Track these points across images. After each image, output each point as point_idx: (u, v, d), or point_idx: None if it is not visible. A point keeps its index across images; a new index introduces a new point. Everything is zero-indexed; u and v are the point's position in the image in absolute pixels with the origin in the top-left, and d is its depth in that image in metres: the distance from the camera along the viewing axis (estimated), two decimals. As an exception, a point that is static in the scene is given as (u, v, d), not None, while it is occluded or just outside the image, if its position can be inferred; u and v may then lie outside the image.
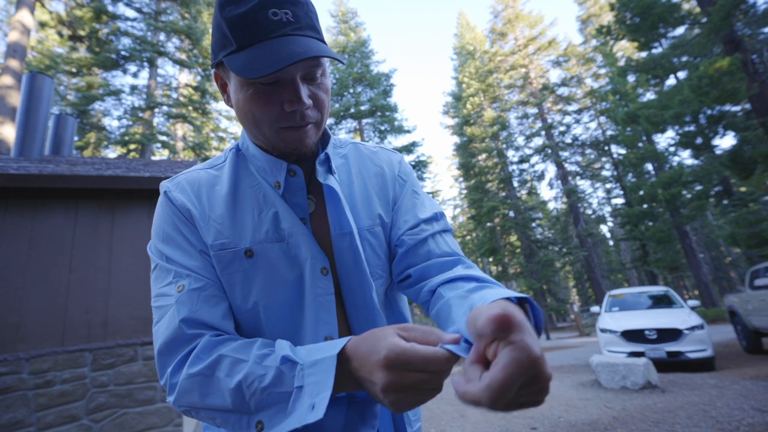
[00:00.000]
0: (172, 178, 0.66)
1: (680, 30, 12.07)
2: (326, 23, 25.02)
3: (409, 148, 21.17)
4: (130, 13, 33.86)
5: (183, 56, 18.07)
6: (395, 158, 0.77)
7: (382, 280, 0.67)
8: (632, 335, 6.21)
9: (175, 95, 18.46)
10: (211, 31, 0.60)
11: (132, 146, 15.98)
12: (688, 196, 13.60)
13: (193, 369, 0.50)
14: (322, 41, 0.57)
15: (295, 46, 0.52)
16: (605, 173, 25.45)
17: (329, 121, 21.64)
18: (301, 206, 0.64)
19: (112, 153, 17.24)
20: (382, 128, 21.50)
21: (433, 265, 0.63)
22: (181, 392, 0.51)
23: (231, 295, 0.59)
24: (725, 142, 71.09)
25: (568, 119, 25.13)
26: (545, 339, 16.97)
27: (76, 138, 12.58)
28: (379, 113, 21.35)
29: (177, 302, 0.55)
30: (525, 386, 0.33)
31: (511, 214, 23.41)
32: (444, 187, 66.48)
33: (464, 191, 31.00)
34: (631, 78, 15.71)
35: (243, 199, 0.64)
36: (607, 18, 21.62)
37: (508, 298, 0.46)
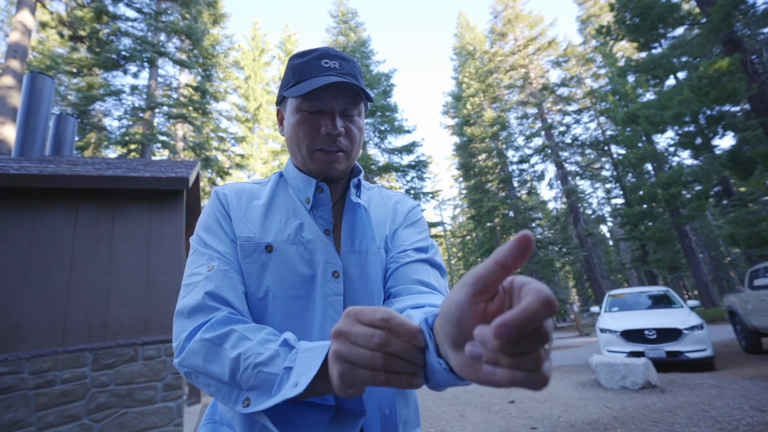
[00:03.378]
0: (224, 184, 0.79)
1: (680, 30, 12.06)
2: (326, 23, 25.04)
3: (409, 148, 21.15)
4: (131, 13, 33.94)
5: (183, 56, 18.07)
6: (411, 202, 0.89)
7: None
8: (632, 335, 6.22)
9: (175, 95, 18.43)
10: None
11: (132, 146, 15.97)
12: (688, 196, 13.58)
13: (207, 335, 0.56)
14: (359, 85, 0.70)
15: (333, 79, 0.67)
16: (605, 173, 25.41)
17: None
18: (325, 219, 0.73)
19: (112, 153, 17.22)
20: (382, 128, 21.49)
21: (408, 290, 0.68)
22: (189, 353, 0.56)
23: (247, 282, 0.66)
24: (725, 142, 71.09)
25: (567, 119, 25.09)
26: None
27: (76, 138, 12.58)
28: (379, 113, 21.34)
29: (205, 278, 0.63)
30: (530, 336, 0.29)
31: (511, 214, 23.40)
32: (444, 187, 66.47)
33: (464, 191, 30.99)
34: (630, 78, 15.70)
35: (275, 209, 0.74)
36: (607, 18, 21.63)
37: None
